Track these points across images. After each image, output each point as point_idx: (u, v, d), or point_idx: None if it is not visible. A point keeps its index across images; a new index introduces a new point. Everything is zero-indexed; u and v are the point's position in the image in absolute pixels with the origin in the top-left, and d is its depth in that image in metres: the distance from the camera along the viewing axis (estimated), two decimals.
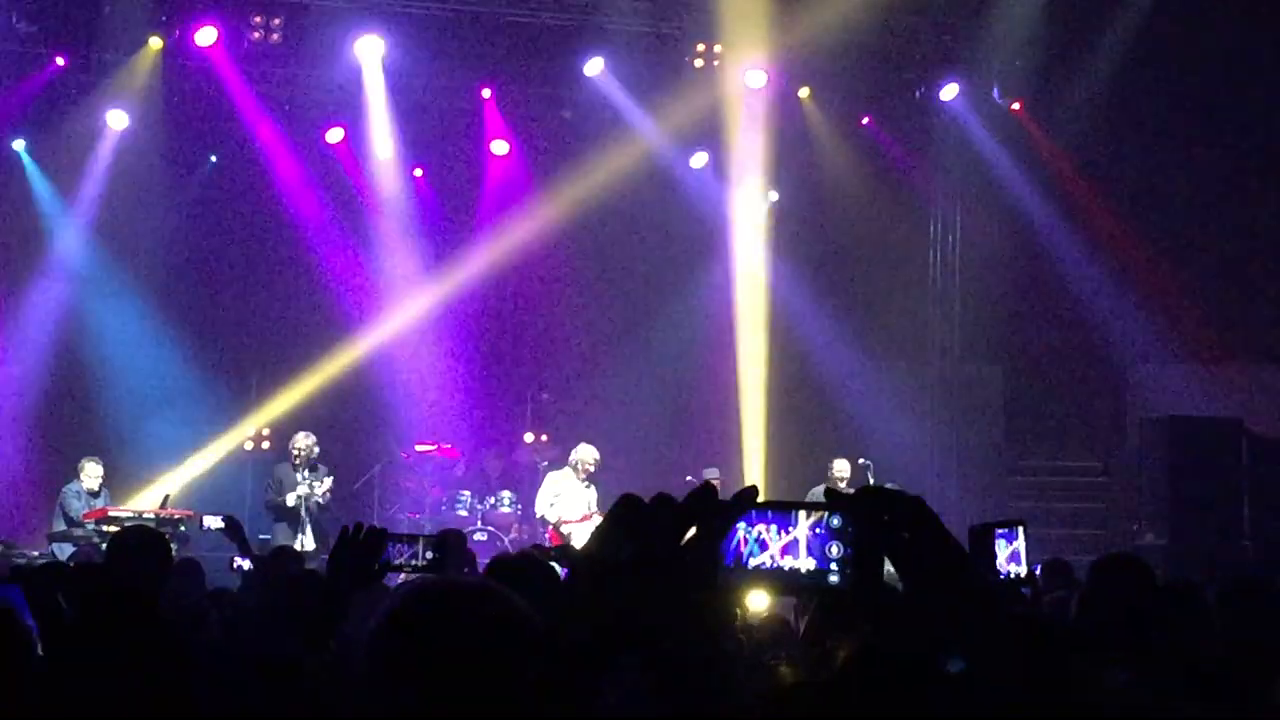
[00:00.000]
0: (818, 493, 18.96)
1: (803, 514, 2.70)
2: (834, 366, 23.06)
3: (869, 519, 2.66)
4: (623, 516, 2.48)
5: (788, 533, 2.69)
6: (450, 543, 8.38)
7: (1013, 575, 5.48)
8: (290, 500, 18.16)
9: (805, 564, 2.68)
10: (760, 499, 2.67)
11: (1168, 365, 22.06)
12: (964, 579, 2.66)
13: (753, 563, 2.68)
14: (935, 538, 2.63)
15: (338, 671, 4.50)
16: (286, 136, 22.02)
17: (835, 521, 2.69)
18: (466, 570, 9.89)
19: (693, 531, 2.48)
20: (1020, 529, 5.73)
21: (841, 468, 19.63)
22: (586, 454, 18.96)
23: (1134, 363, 22.77)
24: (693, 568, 2.45)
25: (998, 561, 5.43)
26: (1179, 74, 21.23)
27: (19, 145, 21.46)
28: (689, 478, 20.27)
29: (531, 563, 6.75)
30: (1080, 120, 21.48)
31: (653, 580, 2.41)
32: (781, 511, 2.71)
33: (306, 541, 17.87)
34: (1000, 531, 5.56)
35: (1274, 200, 21.41)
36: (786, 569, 2.68)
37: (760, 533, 2.69)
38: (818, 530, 2.69)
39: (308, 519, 18.21)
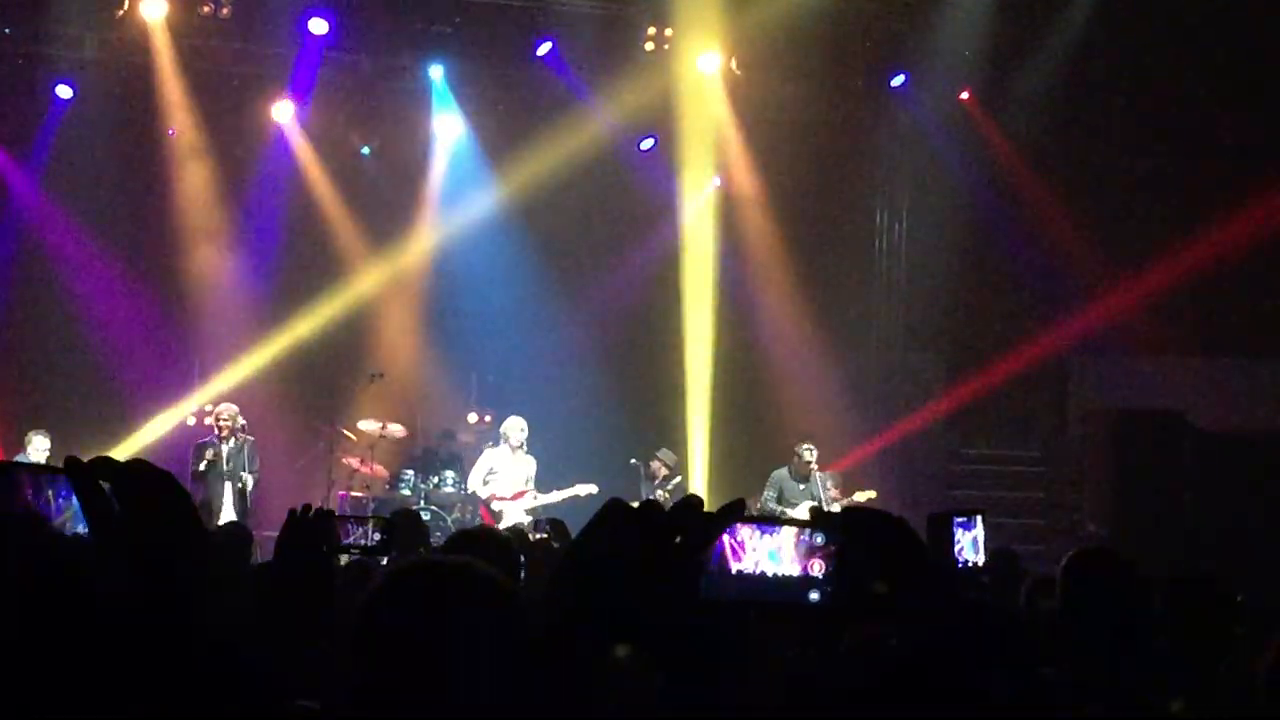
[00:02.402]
0: (780, 473, 19.08)
1: (787, 527, 2.72)
2: (778, 351, 23.13)
3: (854, 539, 2.68)
4: (609, 520, 2.48)
5: (771, 538, 2.71)
6: (400, 523, 8.37)
7: (970, 564, 5.49)
8: (200, 466, 18.11)
9: (789, 570, 2.70)
10: (740, 507, 2.69)
11: (1110, 356, 22.21)
12: (946, 599, 2.68)
13: (735, 567, 2.70)
14: (918, 559, 2.65)
15: (320, 656, 4.47)
16: (234, 112, 21.91)
17: (819, 539, 2.71)
18: (421, 549, 9.86)
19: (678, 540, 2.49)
20: (979, 518, 5.74)
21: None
22: (513, 425, 18.93)
23: (1077, 354, 22.89)
24: (676, 574, 2.46)
25: (956, 550, 5.44)
26: (1127, 66, 21.35)
27: None
28: (633, 460, 20.31)
29: (490, 536, 6.74)
30: (1028, 111, 21.59)
31: (634, 581, 2.42)
32: (766, 523, 2.74)
33: (223, 516, 17.71)
34: (959, 520, 5.56)
35: (1219, 193, 21.53)
36: (769, 575, 2.70)
37: (744, 537, 2.70)
38: (800, 538, 2.71)
39: (226, 491, 18.11)
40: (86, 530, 2.77)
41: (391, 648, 2.70)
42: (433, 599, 2.75)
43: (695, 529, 2.48)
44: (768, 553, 2.71)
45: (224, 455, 18.22)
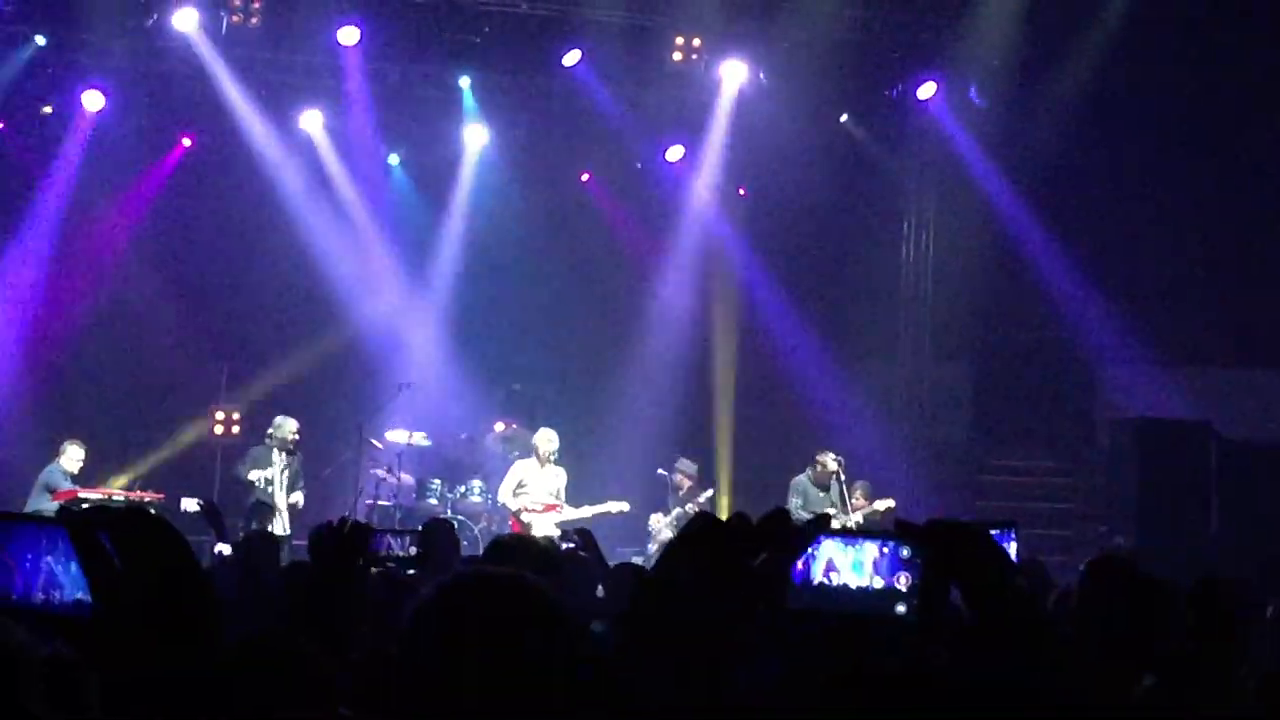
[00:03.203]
0: (801, 480, 19.05)
1: (871, 540, 2.74)
2: (805, 362, 23.09)
3: (939, 552, 2.69)
4: (699, 531, 2.50)
5: (855, 551, 2.73)
6: (436, 535, 8.39)
7: None
8: (252, 476, 18.15)
9: (873, 583, 2.72)
10: (828, 522, 2.71)
11: (1138, 367, 22.12)
12: (1030, 612, 2.70)
13: (818, 580, 2.71)
14: (1003, 572, 2.66)
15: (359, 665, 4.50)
16: (263, 121, 21.95)
17: (905, 553, 2.72)
18: (455, 559, 9.86)
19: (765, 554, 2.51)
20: (1012, 530, 5.75)
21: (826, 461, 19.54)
22: (545, 438, 18.90)
23: (1104, 364, 22.83)
24: (764, 586, 2.47)
25: None
26: (1155, 76, 21.29)
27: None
28: (660, 470, 20.31)
29: (529, 545, 6.75)
30: (1056, 121, 21.50)
31: (722, 595, 2.43)
32: (850, 536, 2.75)
33: (278, 526, 17.85)
34: (992, 532, 5.57)
35: (1247, 203, 21.49)
36: (853, 586, 2.71)
37: (828, 551, 2.72)
38: (884, 550, 2.72)
39: (282, 502, 18.21)
40: (86, 597, 2.76)
41: (444, 660, 2.70)
42: (488, 613, 2.74)
43: (782, 542, 2.50)
44: (852, 565, 2.73)
45: (280, 467, 18.28)
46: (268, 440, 18.63)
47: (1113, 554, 6.99)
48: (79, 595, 2.78)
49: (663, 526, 19.66)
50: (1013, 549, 5.71)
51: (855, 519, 18.87)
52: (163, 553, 2.70)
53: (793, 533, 2.52)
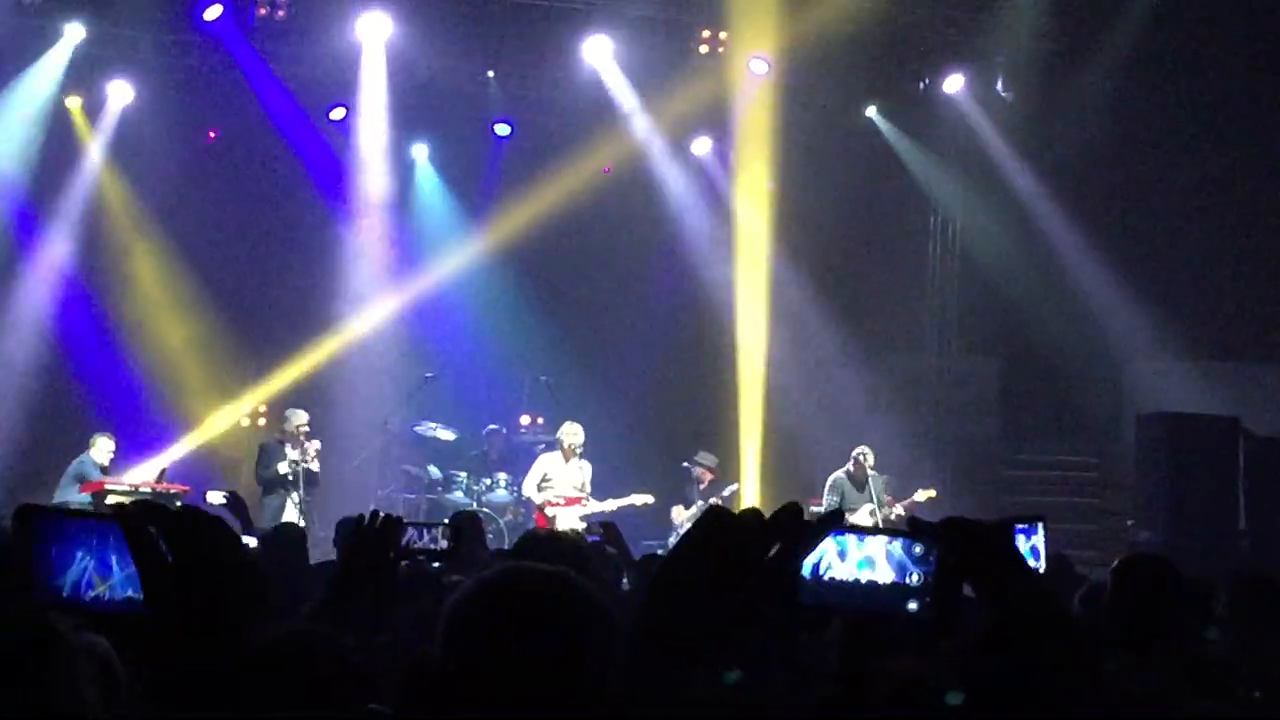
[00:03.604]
0: (839, 477, 19.04)
1: (884, 536, 2.73)
2: (831, 355, 23.10)
3: (954, 550, 2.68)
4: (710, 527, 2.49)
5: (868, 546, 2.72)
6: (463, 528, 8.37)
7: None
8: (283, 468, 18.16)
9: (884, 577, 2.71)
10: (843, 519, 2.69)
11: (1166, 362, 22.05)
12: (1047, 610, 2.69)
13: (829, 575, 2.70)
14: (1019, 569, 2.65)
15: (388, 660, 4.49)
16: (290, 113, 21.99)
17: (918, 549, 2.71)
18: (481, 552, 9.86)
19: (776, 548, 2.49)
20: (1040, 525, 5.72)
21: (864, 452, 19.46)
22: (571, 432, 18.92)
23: (1132, 359, 22.77)
24: (775, 581, 2.46)
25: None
26: (1183, 70, 21.23)
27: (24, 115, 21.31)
28: (685, 464, 20.28)
29: (560, 540, 6.73)
30: (1083, 114, 21.43)
31: (733, 592, 2.42)
32: (863, 532, 2.74)
33: (287, 517, 17.82)
34: (1020, 527, 5.54)
35: (1276, 198, 21.42)
36: (864, 581, 2.70)
37: (840, 544, 2.71)
38: (897, 547, 2.71)
39: (295, 491, 18.19)
40: (137, 594, 2.76)
41: (486, 655, 2.68)
42: (532, 608, 2.72)
43: (793, 536, 2.48)
44: (865, 560, 2.71)
45: (293, 459, 18.29)
46: (279, 434, 18.69)
47: (1145, 551, 6.97)
48: (130, 593, 2.78)
49: (685, 520, 19.64)
50: (1040, 543, 5.67)
51: (897, 511, 18.86)
52: (217, 552, 2.70)
53: (805, 528, 2.50)
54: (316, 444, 18.46)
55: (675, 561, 2.49)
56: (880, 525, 18.26)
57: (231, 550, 2.74)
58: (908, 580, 2.71)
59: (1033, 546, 5.64)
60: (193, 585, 2.63)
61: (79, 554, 2.83)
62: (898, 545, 2.73)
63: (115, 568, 2.80)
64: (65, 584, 2.84)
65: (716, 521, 2.48)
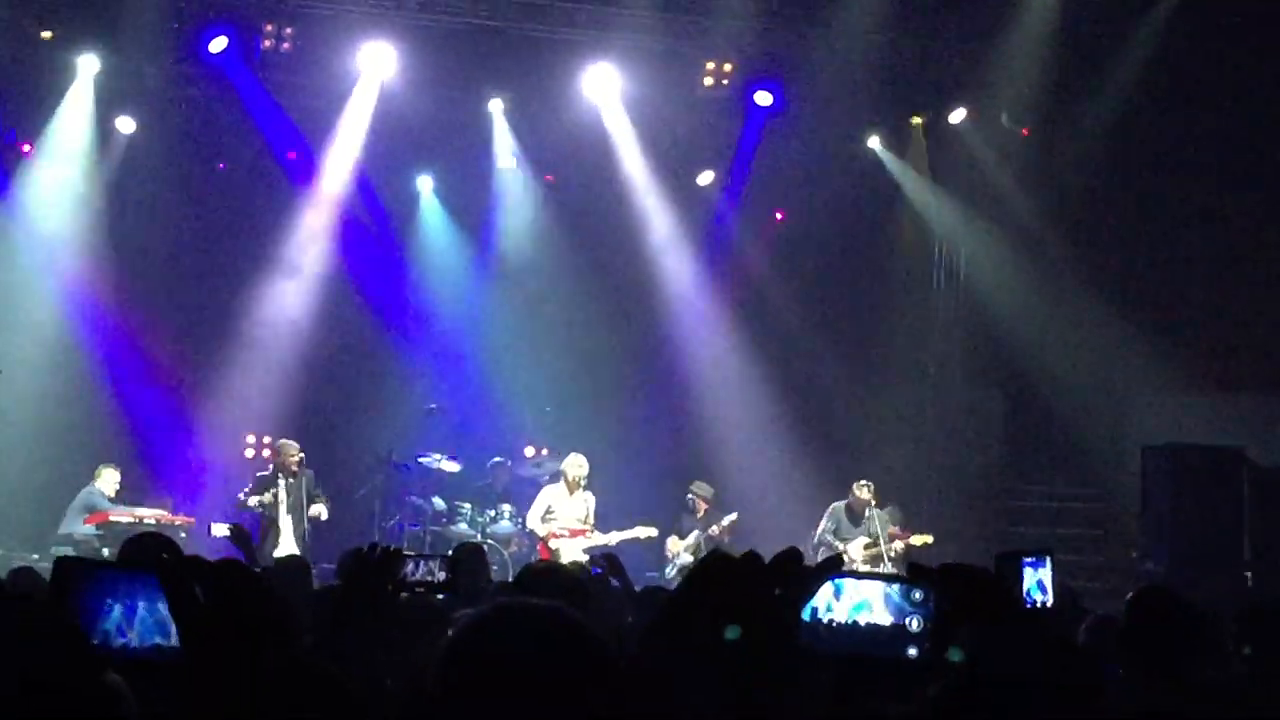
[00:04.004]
0: (837, 507, 19.03)
1: (882, 582, 2.74)
2: (834, 386, 23.10)
3: (952, 596, 2.69)
4: (710, 570, 2.50)
5: (868, 590, 2.73)
6: (465, 559, 8.38)
7: (1039, 604, 5.46)
8: (251, 502, 18.43)
9: (882, 620, 2.72)
10: (838, 565, 2.71)
11: (1170, 393, 21.98)
12: (1046, 660, 2.70)
13: (827, 617, 2.71)
14: (1017, 617, 2.67)
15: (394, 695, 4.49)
16: (294, 144, 22.04)
17: (917, 594, 2.72)
18: (484, 584, 9.86)
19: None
20: (1048, 558, 5.72)
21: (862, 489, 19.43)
22: (572, 462, 18.94)
23: (1136, 390, 22.73)
24: (774, 625, 2.47)
25: (1024, 590, 5.41)
26: (1187, 102, 21.23)
27: (27, 148, 21.38)
28: (689, 495, 20.27)
29: (560, 574, 6.74)
30: (1087, 147, 21.45)
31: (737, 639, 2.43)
32: (861, 577, 2.76)
33: (283, 549, 17.91)
34: (1027, 560, 5.54)
35: (1279, 230, 21.41)
36: (863, 624, 2.71)
37: (837, 585, 2.72)
38: (896, 592, 2.72)
39: (286, 524, 18.35)
40: (164, 640, 2.82)
41: (480, 690, 2.68)
42: (527, 644, 2.72)
43: (794, 581, 2.49)
44: (862, 603, 2.72)
45: (284, 490, 18.42)
46: (272, 466, 18.82)
47: (1156, 585, 6.98)
48: (157, 639, 2.83)
49: (681, 550, 19.60)
50: (1048, 577, 5.67)
51: (895, 548, 18.83)
52: (252, 605, 2.73)
53: (804, 572, 2.51)
54: (323, 510, 18.85)
55: (675, 604, 2.50)
56: (881, 556, 18.38)
57: (269, 607, 2.77)
58: (907, 625, 2.71)
59: (1039, 580, 5.64)
60: (228, 637, 2.66)
61: (109, 602, 2.89)
62: (895, 590, 2.74)
63: (143, 614, 2.86)
64: (99, 632, 2.89)
65: (717, 565, 2.49)
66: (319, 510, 18.72)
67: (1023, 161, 22.14)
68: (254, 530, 18.17)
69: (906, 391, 23.54)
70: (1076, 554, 21.07)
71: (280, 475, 18.61)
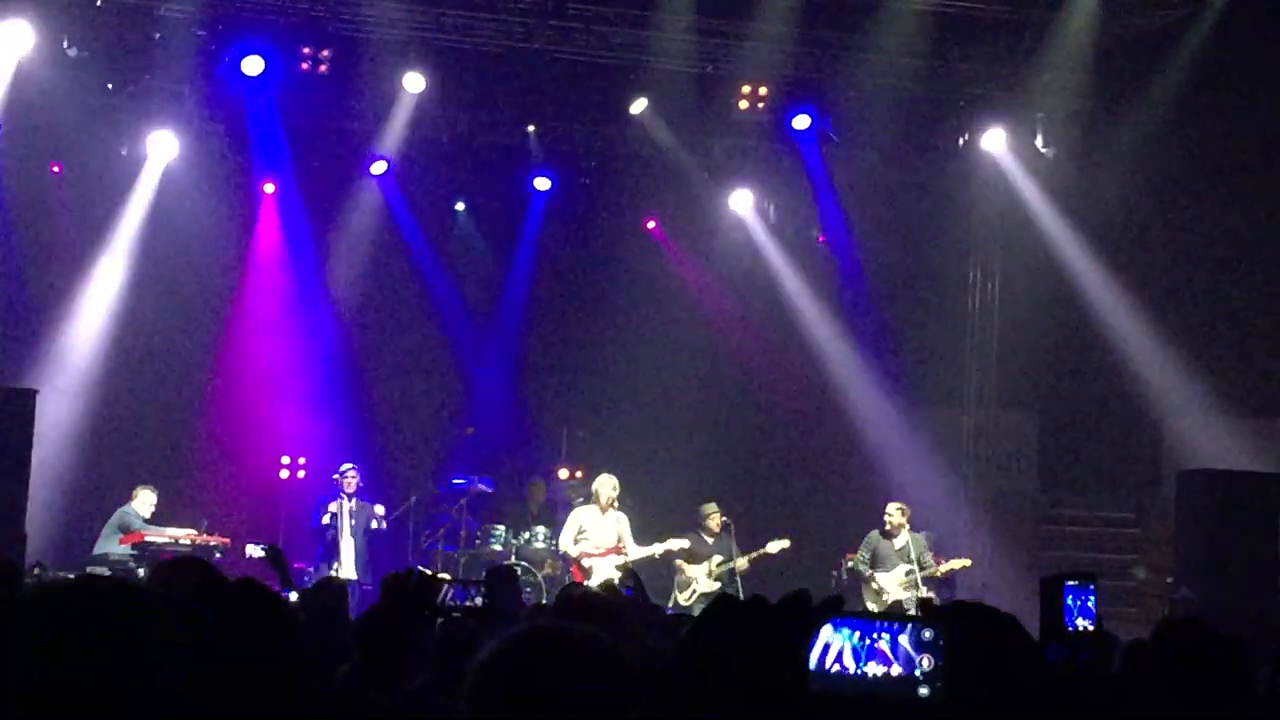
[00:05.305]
0: (873, 535, 18.83)
1: (891, 623, 2.75)
2: (869, 409, 23.08)
3: (965, 635, 2.70)
4: (719, 615, 2.51)
5: (874, 639, 2.74)
6: (499, 583, 8.37)
7: (1082, 629, 5.45)
8: (325, 520, 18.89)
9: (893, 669, 2.73)
10: (838, 604, 2.72)
11: (1206, 418, 21.88)
12: (1057, 698, 2.71)
13: (836, 669, 2.72)
14: (1029, 657, 2.68)
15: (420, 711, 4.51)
16: (331, 167, 22.11)
17: (927, 634, 2.73)
18: (516, 607, 9.85)
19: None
20: (1092, 585, 5.72)
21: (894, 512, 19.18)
22: (604, 483, 18.75)
23: (1171, 414, 22.62)
24: (786, 667, 2.48)
25: (1070, 616, 5.40)
26: (1222, 125, 21.18)
27: (56, 169, 21.44)
28: (725, 520, 20.18)
29: (596, 602, 6.75)
30: (1122, 170, 21.37)
31: (744, 677, 2.44)
32: (867, 619, 2.76)
33: (344, 570, 18.20)
34: (1071, 585, 5.53)
35: None
36: (872, 675, 2.72)
37: (847, 636, 2.73)
38: (904, 633, 2.73)
39: (349, 546, 18.64)
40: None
41: (512, 714, 2.69)
42: (560, 669, 2.73)
43: (798, 622, 2.51)
44: (872, 652, 2.73)
45: (348, 512, 18.74)
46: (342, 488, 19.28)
47: (1182, 615, 6.94)
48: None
49: (700, 575, 19.06)
50: (1092, 603, 5.67)
51: (933, 573, 18.64)
52: (272, 633, 2.78)
53: (809, 613, 2.53)
54: (381, 510, 19.33)
55: (687, 648, 2.51)
56: (917, 583, 18.20)
57: (284, 627, 2.80)
58: (917, 668, 2.72)
59: (1083, 604, 5.63)
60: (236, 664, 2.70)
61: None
62: (905, 636, 2.74)
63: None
64: None
65: (725, 609, 2.51)
66: (379, 511, 19.28)
67: (1058, 185, 22.07)
68: (321, 553, 18.51)
69: (941, 414, 23.49)
70: (1111, 579, 20.97)
71: (346, 496, 19.04)
